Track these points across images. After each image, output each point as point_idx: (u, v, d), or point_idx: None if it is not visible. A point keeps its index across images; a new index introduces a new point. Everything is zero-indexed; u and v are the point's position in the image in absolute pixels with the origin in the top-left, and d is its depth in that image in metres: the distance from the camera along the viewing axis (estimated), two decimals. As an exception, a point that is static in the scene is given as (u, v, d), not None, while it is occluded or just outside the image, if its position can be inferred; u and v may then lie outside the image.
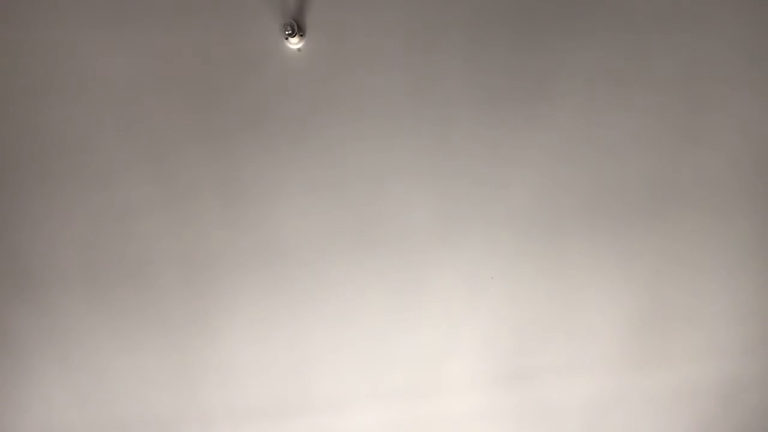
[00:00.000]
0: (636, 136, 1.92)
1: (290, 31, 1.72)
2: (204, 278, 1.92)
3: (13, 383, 1.96)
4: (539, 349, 2.06)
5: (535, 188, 1.94)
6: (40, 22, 1.73)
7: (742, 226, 2.02)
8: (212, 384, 2.00)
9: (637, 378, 2.12)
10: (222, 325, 1.96)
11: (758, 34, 1.90)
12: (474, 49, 1.84)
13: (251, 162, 1.85)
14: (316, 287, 1.95)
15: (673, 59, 1.89)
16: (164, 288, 1.92)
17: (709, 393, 2.15)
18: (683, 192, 1.98)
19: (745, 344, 2.12)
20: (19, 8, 1.72)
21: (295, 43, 1.77)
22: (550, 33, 1.84)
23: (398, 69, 1.83)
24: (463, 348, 2.04)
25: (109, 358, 1.96)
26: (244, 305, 1.95)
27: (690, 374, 2.13)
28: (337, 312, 1.98)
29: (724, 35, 1.89)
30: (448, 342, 2.03)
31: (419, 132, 1.87)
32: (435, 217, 1.93)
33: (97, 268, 1.89)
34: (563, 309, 2.04)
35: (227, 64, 1.79)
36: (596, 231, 1.98)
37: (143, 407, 2.00)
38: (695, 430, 2.20)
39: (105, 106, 1.79)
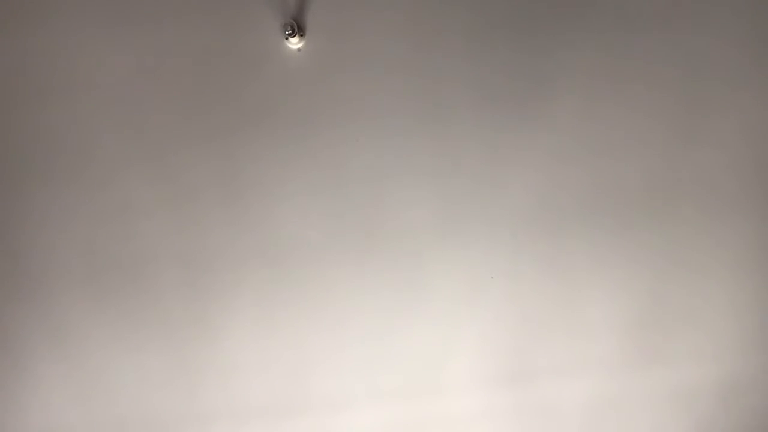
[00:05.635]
0: (636, 135, 1.93)
1: (290, 31, 1.72)
2: (204, 278, 1.92)
3: (13, 383, 1.96)
4: (539, 349, 2.06)
5: (535, 188, 1.94)
6: (40, 22, 1.73)
7: (742, 226, 2.02)
8: (212, 384, 2.00)
9: (637, 378, 2.11)
10: (222, 325, 1.96)
11: (758, 34, 1.90)
12: (474, 49, 1.84)
13: (251, 162, 1.86)
14: (316, 287, 1.95)
15: (673, 59, 1.89)
16: (164, 288, 1.92)
17: (709, 393, 2.15)
18: (683, 192, 1.98)
19: (745, 344, 2.12)
20: (19, 8, 1.72)
21: (295, 43, 1.77)
22: (550, 33, 1.84)
23: (398, 69, 1.84)
24: (463, 348, 2.04)
25: (109, 357, 1.96)
26: (245, 305, 1.95)
27: (690, 374, 2.13)
28: (337, 312, 1.98)
29: (724, 35, 1.89)
30: (448, 342, 2.03)
31: (419, 132, 1.88)
32: (435, 217, 1.93)
33: (97, 268, 1.89)
34: (563, 309, 2.04)
35: (227, 64, 1.79)
36: (596, 231, 1.98)
37: (143, 407, 2.00)
38: (695, 431, 2.20)
39: (105, 106, 1.80)
